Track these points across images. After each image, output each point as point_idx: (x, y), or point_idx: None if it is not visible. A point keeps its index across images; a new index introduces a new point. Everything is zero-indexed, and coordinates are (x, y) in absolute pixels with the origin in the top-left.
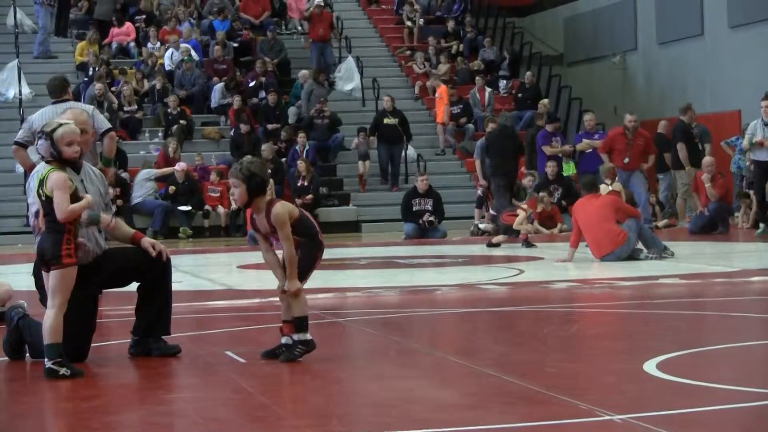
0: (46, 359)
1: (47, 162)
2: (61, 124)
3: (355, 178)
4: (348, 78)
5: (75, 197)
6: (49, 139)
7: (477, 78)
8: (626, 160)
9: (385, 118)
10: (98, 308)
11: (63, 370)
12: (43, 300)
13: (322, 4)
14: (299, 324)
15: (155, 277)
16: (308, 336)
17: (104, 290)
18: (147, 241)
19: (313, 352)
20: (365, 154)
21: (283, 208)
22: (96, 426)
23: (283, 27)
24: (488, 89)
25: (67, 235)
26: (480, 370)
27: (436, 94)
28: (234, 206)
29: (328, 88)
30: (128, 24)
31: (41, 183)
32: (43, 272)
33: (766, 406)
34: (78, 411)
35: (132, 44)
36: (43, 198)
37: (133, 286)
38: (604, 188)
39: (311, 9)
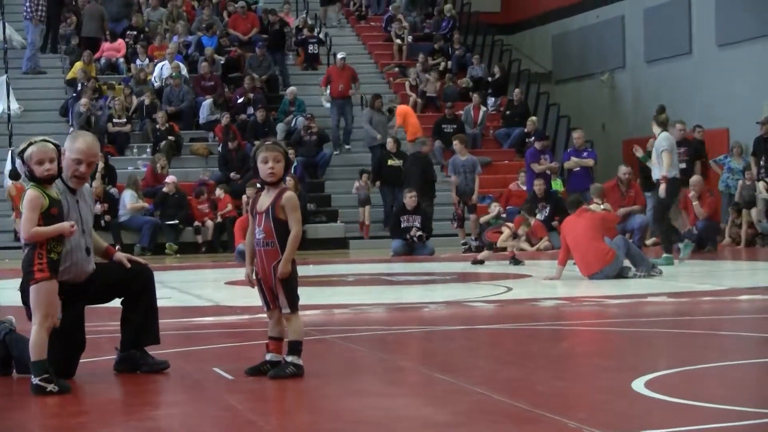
0: (33, 376)
1: (31, 179)
2: (32, 143)
3: (343, 195)
4: None
5: (52, 216)
6: (20, 158)
7: (474, 95)
8: (620, 211)
9: (389, 159)
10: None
11: (50, 387)
12: (30, 316)
13: (345, 58)
14: (293, 347)
15: (139, 288)
16: (300, 361)
17: (88, 306)
18: (120, 255)
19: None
20: (366, 199)
21: (294, 194)
22: None
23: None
24: (483, 108)
25: (39, 250)
26: (468, 388)
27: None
28: (220, 219)
29: (388, 115)
30: (120, 40)
31: (22, 199)
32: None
33: (754, 425)
34: (65, 427)
35: (121, 60)
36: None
37: (117, 301)
38: (595, 207)
39: (336, 63)
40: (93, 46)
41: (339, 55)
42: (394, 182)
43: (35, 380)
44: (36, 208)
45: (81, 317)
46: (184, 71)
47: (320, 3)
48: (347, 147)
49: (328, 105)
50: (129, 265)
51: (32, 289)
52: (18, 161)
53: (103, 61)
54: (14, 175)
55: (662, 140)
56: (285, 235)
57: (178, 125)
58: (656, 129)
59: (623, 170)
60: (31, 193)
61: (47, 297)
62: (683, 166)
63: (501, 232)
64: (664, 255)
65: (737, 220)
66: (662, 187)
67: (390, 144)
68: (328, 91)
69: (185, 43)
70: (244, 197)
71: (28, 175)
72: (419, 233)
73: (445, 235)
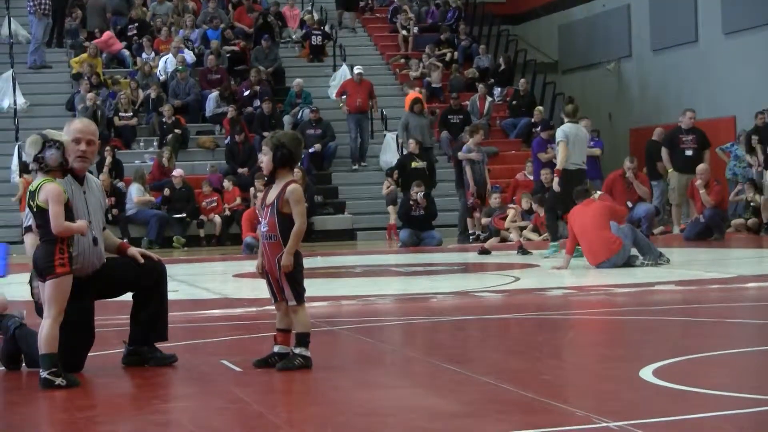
0: (41, 370)
1: (46, 172)
2: (51, 137)
3: (349, 187)
4: None
5: (68, 209)
6: (61, 149)
7: (480, 86)
8: (629, 203)
9: (412, 161)
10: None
11: (59, 381)
12: (39, 310)
13: (362, 72)
14: (301, 339)
15: (151, 284)
16: (308, 353)
17: (98, 300)
18: (134, 250)
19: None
20: (394, 199)
21: (299, 187)
22: None
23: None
24: (489, 98)
25: (60, 245)
26: (476, 378)
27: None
28: (228, 212)
29: (430, 117)
30: (107, 33)
31: (33, 194)
32: (39, 282)
33: (762, 412)
34: (74, 421)
35: (126, 53)
36: (35, 209)
37: (128, 295)
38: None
39: (353, 77)
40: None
41: (356, 70)
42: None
43: (44, 374)
44: (62, 202)
45: (90, 311)
46: (190, 60)
47: (335, 5)
48: (363, 164)
49: (344, 109)
50: (142, 261)
51: (51, 283)
52: (52, 150)
53: (104, 55)
54: (25, 168)
55: (559, 131)
56: (288, 228)
57: (184, 118)
58: (565, 120)
59: (627, 165)
60: (53, 187)
61: (66, 292)
62: (689, 153)
63: (506, 217)
64: (551, 243)
65: (754, 196)
66: (555, 180)
67: (412, 146)
68: (344, 103)
69: (190, 37)
70: (252, 189)
71: (64, 164)
72: (422, 194)
73: (453, 225)
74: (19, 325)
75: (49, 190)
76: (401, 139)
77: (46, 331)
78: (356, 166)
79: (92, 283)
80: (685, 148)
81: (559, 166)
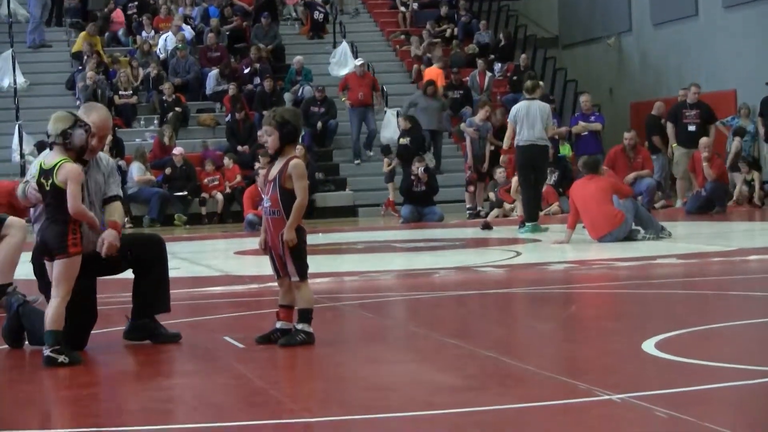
0: (45, 347)
1: (66, 150)
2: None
3: (351, 164)
4: (342, 63)
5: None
6: (88, 133)
7: (479, 61)
8: (629, 177)
9: (400, 138)
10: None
11: (61, 358)
12: (42, 288)
13: (365, 64)
14: (303, 315)
15: (150, 258)
16: (311, 329)
17: (100, 277)
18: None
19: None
20: (393, 176)
21: (302, 162)
22: (96, 413)
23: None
24: (489, 73)
25: (72, 225)
26: (478, 352)
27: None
28: (229, 190)
29: (443, 101)
30: (117, 11)
31: (48, 172)
32: (45, 262)
33: (765, 384)
34: (77, 398)
35: (121, 31)
36: (47, 187)
37: (129, 273)
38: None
39: (355, 70)
40: (97, 18)
41: (357, 62)
42: (407, 160)
43: (46, 351)
44: (80, 182)
45: (92, 289)
46: (190, 38)
47: None
48: (369, 153)
49: (348, 105)
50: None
51: (62, 262)
52: (80, 130)
53: (106, 34)
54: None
55: (511, 112)
56: (291, 203)
57: (184, 96)
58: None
59: (627, 136)
60: (75, 167)
61: (76, 271)
62: (692, 128)
63: (510, 189)
64: (527, 223)
65: (748, 175)
66: (502, 158)
67: (402, 123)
68: (346, 97)
69: (191, 15)
70: (257, 165)
71: (65, 143)
72: (423, 169)
73: (454, 201)
74: (23, 302)
75: (70, 170)
76: (402, 117)
77: (54, 309)
78: (358, 161)
79: (93, 261)
80: (689, 123)
81: (504, 146)
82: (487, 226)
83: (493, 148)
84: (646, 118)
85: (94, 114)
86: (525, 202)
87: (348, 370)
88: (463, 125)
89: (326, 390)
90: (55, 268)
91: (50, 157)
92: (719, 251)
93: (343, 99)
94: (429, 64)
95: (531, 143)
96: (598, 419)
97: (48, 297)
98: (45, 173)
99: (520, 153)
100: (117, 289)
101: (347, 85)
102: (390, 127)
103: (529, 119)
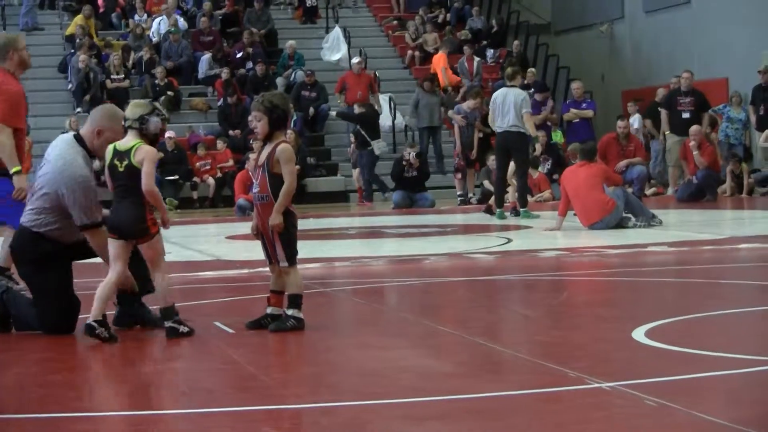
0: (165, 320)
1: (141, 135)
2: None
3: (342, 149)
4: (335, 48)
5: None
6: (162, 122)
7: (465, 47)
8: (621, 164)
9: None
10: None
11: (182, 328)
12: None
13: (362, 61)
14: (293, 301)
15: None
16: (301, 314)
17: (79, 261)
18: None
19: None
20: (356, 162)
21: (290, 147)
22: (84, 397)
23: None
24: (477, 58)
25: (148, 206)
26: (469, 339)
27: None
28: (220, 174)
29: (441, 96)
30: None
31: (124, 153)
32: (110, 239)
33: (754, 372)
34: (66, 382)
35: (113, 15)
36: (121, 168)
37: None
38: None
39: (352, 68)
40: (93, 2)
41: (354, 60)
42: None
43: (168, 323)
44: (155, 164)
45: (71, 274)
46: (182, 25)
47: None
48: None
49: (333, 114)
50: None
51: (150, 244)
52: (155, 118)
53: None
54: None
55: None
56: (279, 188)
57: (177, 80)
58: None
59: (620, 124)
60: (152, 149)
61: (163, 245)
62: (686, 116)
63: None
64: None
65: (736, 169)
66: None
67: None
68: (342, 100)
69: None
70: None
71: (141, 128)
72: (415, 154)
73: (445, 187)
74: (6, 289)
75: (148, 151)
76: (411, 117)
77: (162, 285)
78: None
79: (85, 245)
80: (682, 110)
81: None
82: (489, 210)
83: (481, 135)
84: (649, 104)
85: (107, 118)
86: (495, 188)
87: (338, 355)
88: (450, 112)
89: (316, 375)
90: (145, 251)
91: (125, 141)
92: (710, 239)
93: (339, 101)
94: (421, 48)
95: (504, 130)
96: (588, 407)
97: (28, 282)
98: (120, 155)
99: (496, 139)
100: (92, 274)
101: (345, 86)
102: (382, 113)
103: (504, 107)
